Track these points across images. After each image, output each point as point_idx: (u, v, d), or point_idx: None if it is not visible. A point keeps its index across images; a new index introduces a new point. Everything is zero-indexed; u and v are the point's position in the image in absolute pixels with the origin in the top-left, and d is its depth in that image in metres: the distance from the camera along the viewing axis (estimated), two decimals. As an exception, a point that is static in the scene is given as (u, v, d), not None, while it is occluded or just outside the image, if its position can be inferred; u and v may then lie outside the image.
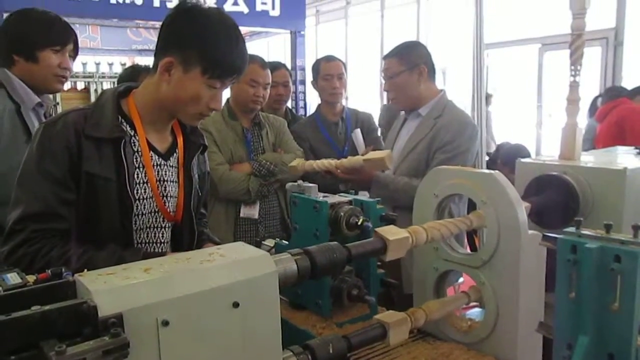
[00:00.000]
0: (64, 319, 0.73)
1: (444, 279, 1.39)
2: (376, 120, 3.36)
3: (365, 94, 9.27)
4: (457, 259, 1.32)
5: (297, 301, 1.48)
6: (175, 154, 1.56)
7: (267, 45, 10.37)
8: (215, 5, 1.42)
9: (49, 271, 0.86)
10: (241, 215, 2.60)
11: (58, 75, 2.01)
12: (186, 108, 1.43)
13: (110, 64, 6.50)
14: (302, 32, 5.96)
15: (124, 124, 1.44)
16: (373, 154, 2.00)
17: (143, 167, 1.46)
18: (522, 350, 1.22)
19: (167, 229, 1.55)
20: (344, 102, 3.15)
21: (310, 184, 1.46)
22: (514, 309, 1.21)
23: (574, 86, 1.67)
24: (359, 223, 1.37)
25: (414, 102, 2.43)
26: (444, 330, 1.35)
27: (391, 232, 1.08)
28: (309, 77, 3.54)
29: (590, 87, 6.15)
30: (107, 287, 0.77)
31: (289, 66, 3.87)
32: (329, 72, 2.94)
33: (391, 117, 3.34)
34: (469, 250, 1.39)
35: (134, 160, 1.45)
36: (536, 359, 1.26)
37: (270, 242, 1.56)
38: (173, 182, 1.55)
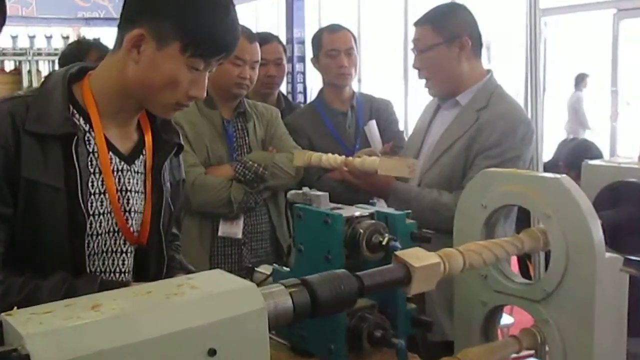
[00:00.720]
0: (-14, 370, 0.74)
1: (494, 316, 1.40)
2: (397, 109, 3.36)
3: (383, 76, 9.30)
4: (512, 290, 1.32)
5: (302, 346, 1.47)
6: (141, 157, 1.57)
7: (255, 11, 10.44)
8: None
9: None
10: (220, 233, 2.61)
11: None
12: (159, 95, 1.44)
13: (49, 37, 6.56)
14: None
15: (77, 116, 1.45)
16: (390, 163, 2.01)
17: (100, 172, 1.47)
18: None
19: (129, 253, 1.56)
20: (354, 85, 3.16)
21: (319, 192, 1.46)
22: (587, 353, 1.21)
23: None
24: (384, 243, 1.36)
25: (453, 85, 2.42)
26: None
27: (417, 257, 1.08)
28: (309, 53, 3.56)
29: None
30: (43, 330, 0.77)
31: (283, 39, 3.89)
32: (334, 47, 2.93)
33: None
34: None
35: (89, 163, 1.45)
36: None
37: (265, 269, 1.57)
38: (138, 192, 1.55)
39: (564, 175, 1.26)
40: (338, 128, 2.98)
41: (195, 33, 1.38)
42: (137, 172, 1.55)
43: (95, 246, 1.47)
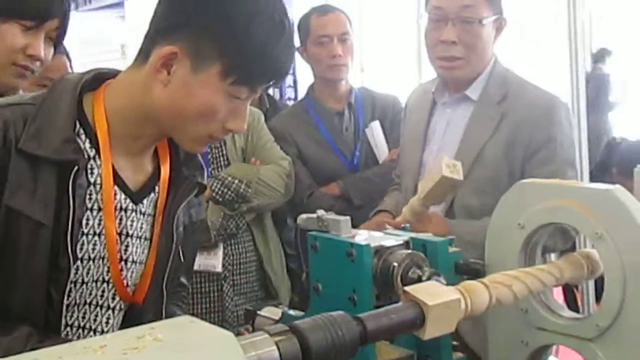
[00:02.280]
0: None
1: (538, 357, 1.40)
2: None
3: (391, 68, 9.30)
4: (558, 327, 1.32)
5: None
6: (152, 195, 1.57)
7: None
8: None
9: None
10: (195, 267, 2.62)
11: (18, 64, 2.05)
12: (189, 126, 1.44)
13: None
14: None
15: (82, 137, 1.44)
16: (428, 180, 1.99)
17: (99, 210, 1.46)
18: None
19: (116, 310, 1.56)
20: (354, 77, 3.16)
21: (339, 217, 1.43)
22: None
23: None
24: (424, 278, 1.31)
25: (479, 71, 2.43)
26: None
27: (431, 293, 1.09)
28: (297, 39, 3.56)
29: None
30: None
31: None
32: (325, 32, 2.95)
33: None
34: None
35: (87, 197, 1.45)
36: None
37: (272, 313, 1.54)
38: (140, 238, 1.55)
39: (618, 185, 1.27)
40: (333, 132, 2.98)
41: (242, 54, 1.37)
42: (144, 214, 1.55)
43: (77, 296, 1.47)
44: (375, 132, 2.94)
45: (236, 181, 2.59)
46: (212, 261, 2.65)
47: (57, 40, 2.10)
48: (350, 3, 8.91)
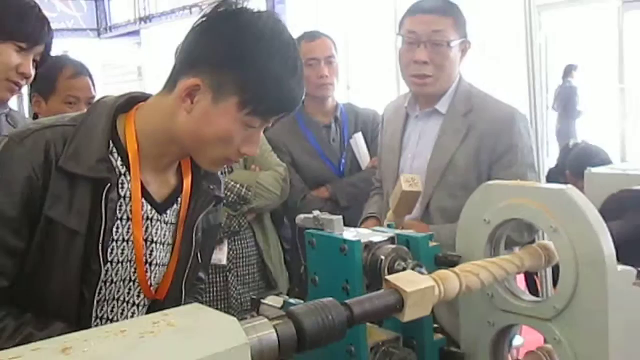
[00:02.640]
0: None
1: (503, 336, 1.40)
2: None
3: (373, 85, 9.33)
4: (520, 308, 1.33)
5: None
6: (175, 206, 1.56)
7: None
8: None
9: None
10: None
11: (11, 80, 2.05)
12: (208, 149, 1.44)
13: None
14: (281, -2, 6.05)
15: (115, 155, 1.44)
16: (394, 199, 1.99)
17: (127, 219, 1.46)
18: None
19: (141, 306, 1.56)
20: (343, 92, 3.16)
21: (333, 216, 1.42)
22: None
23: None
24: (408, 269, 1.31)
25: (446, 88, 2.42)
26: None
27: (409, 281, 1.09)
28: None
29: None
30: (10, 378, 0.78)
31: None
32: (312, 55, 2.93)
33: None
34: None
35: (117, 209, 1.44)
36: None
37: (275, 301, 1.53)
38: (163, 244, 1.55)
39: (570, 185, 1.28)
40: (321, 142, 2.98)
41: (258, 91, 1.37)
42: (167, 223, 1.55)
43: (106, 293, 1.47)
44: (358, 142, 2.95)
45: (238, 185, 2.59)
46: (218, 255, 2.63)
47: (40, 63, 2.13)
48: (337, 28, 8.95)
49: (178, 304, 1.54)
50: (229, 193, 2.56)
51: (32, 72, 2.08)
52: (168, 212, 1.55)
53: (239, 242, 2.68)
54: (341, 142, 3.02)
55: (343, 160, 2.98)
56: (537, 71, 3.86)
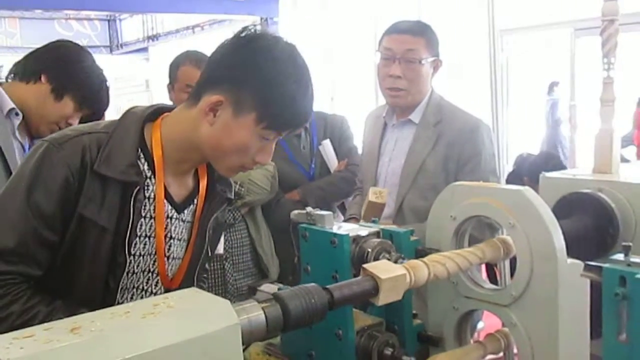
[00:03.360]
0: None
1: (466, 320, 1.41)
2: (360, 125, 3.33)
3: (355, 97, 9.35)
4: (481, 295, 1.34)
5: None
6: (192, 206, 1.56)
7: (231, 34, 10.40)
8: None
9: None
10: None
11: (57, 124, 2.12)
12: (227, 158, 1.43)
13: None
14: (274, 19, 6.04)
15: (142, 160, 1.43)
16: (365, 205, 2.01)
17: (151, 218, 1.46)
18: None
19: (157, 294, 1.55)
20: (324, 106, 3.14)
21: (324, 212, 1.41)
22: (553, 354, 1.22)
23: (607, 83, 1.71)
24: (392, 261, 1.31)
25: (418, 101, 2.42)
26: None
27: (384, 269, 1.09)
28: None
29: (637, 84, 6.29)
30: (24, 354, 0.77)
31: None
32: None
33: None
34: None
35: (142, 208, 1.44)
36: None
37: (270, 289, 1.52)
38: (180, 240, 1.55)
39: (527, 187, 1.28)
40: (293, 150, 2.96)
41: (274, 108, 1.37)
42: (184, 221, 1.55)
43: (128, 282, 1.47)
44: (326, 148, 2.94)
45: (232, 183, 2.59)
46: (217, 247, 2.63)
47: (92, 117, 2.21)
48: (323, 46, 8.98)
49: None
50: None
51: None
52: (186, 211, 1.55)
53: (234, 234, 2.67)
54: (311, 149, 2.98)
55: (313, 166, 2.95)
56: (499, 87, 3.91)
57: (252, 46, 1.38)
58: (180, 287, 1.54)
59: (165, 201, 1.47)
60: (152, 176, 1.44)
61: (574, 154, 6.63)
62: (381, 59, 2.38)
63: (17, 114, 2.09)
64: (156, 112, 1.49)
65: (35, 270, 1.34)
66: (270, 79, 1.36)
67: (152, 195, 1.44)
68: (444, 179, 2.25)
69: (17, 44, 9.87)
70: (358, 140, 2.81)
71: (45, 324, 0.86)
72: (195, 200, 1.56)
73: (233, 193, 1.66)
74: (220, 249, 2.60)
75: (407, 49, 2.33)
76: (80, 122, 2.14)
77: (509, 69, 6.79)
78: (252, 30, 1.41)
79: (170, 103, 2.34)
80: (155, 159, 1.44)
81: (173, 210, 1.50)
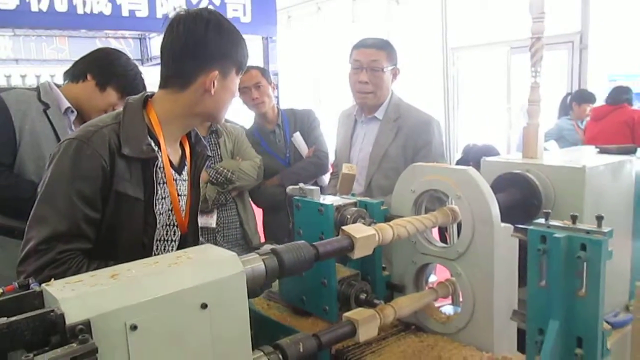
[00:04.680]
0: (31, 328, 0.74)
1: (422, 272, 1.42)
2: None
3: (337, 97, 9.31)
4: (434, 252, 1.35)
5: (303, 308, 1.47)
6: (185, 167, 1.56)
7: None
8: (186, 9, 1.44)
9: (16, 283, 0.86)
10: (200, 224, 2.59)
11: (106, 111, 2.08)
12: (225, 108, 1.48)
13: (52, 76, 6.32)
14: (273, 38, 5.99)
15: (149, 139, 1.42)
16: (340, 178, 2.03)
17: (164, 183, 1.45)
18: (498, 338, 1.26)
19: (176, 242, 1.55)
20: (312, 106, 3.09)
21: (313, 187, 1.44)
22: (489, 299, 1.24)
23: (534, 87, 1.73)
24: (366, 224, 1.31)
25: (381, 101, 2.41)
26: (425, 323, 1.38)
27: (358, 230, 1.10)
28: (282, 81, 3.46)
29: (558, 90, 6.31)
30: (74, 295, 0.77)
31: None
32: (244, 85, 2.83)
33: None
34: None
35: (158, 177, 1.43)
36: (511, 346, 1.29)
37: (269, 247, 1.53)
38: (184, 196, 1.55)
39: (470, 167, 1.30)
40: (270, 144, 2.93)
41: (242, 62, 1.44)
42: (184, 180, 1.54)
43: (156, 237, 1.46)
44: (297, 139, 2.91)
45: (225, 170, 2.56)
46: (209, 220, 2.59)
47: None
48: (313, 58, 8.94)
49: (196, 236, 1.59)
50: (218, 176, 2.54)
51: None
52: (183, 172, 1.54)
53: (226, 212, 2.64)
54: (285, 141, 2.95)
55: (288, 154, 2.92)
56: (451, 93, 3.92)
57: (217, 27, 1.39)
58: (188, 232, 1.56)
59: (170, 167, 1.47)
60: (158, 150, 1.43)
61: (509, 146, 6.66)
62: (352, 68, 2.38)
63: (72, 112, 2.09)
64: (145, 99, 1.48)
65: (87, 244, 1.32)
66: (238, 41, 1.42)
67: (161, 165, 1.44)
68: (403, 163, 2.26)
69: (65, 57, 9.68)
70: (333, 134, 2.78)
71: (91, 272, 0.87)
72: (186, 162, 1.56)
73: (209, 151, 1.67)
74: (213, 224, 2.60)
75: (372, 59, 2.32)
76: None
77: (459, 79, 6.80)
78: (205, 13, 1.41)
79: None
80: (158, 137, 1.43)
81: (175, 173, 1.50)
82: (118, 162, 1.34)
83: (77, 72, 2.12)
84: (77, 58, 2.20)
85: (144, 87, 2.18)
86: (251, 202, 2.86)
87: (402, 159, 2.29)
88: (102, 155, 1.32)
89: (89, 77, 2.09)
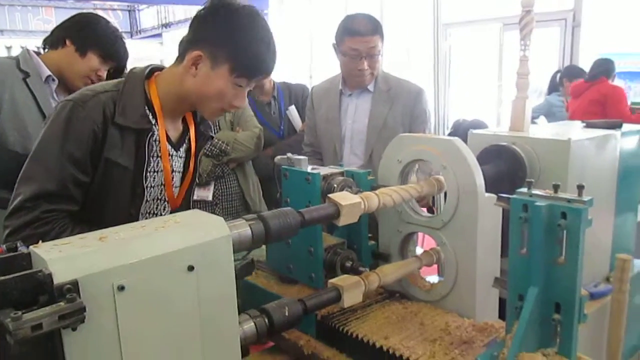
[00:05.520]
0: (19, 288, 0.74)
1: (408, 240, 1.44)
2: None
3: (328, 73, 9.25)
4: (419, 221, 1.37)
5: (289, 275, 1.48)
6: (184, 145, 1.56)
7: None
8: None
9: (4, 246, 0.87)
10: (194, 197, 2.58)
11: (89, 77, 2.08)
12: (208, 103, 1.42)
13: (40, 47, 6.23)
14: (265, 11, 5.91)
15: (147, 111, 1.41)
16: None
17: (158, 156, 1.45)
18: (480, 305, 1.28)
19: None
20: (304, 81, 3.10)
21: (301, 157, 1.44)
22: (472, 266, 1.27)
23: (523, 60, 1.73)
24: (353, 193, 1.33)
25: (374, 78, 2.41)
26: (409, 291, 1.40)
27: (344, 198, 1.11)
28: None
29: (550, 68, 6.32)
30: (61, 256, 0.78)
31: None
32: None
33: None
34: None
35: (151, 149, 1.43)
36: (493, 313, 1.32)
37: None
38: (178, 172, 1.55)
39: (456, 137, 1.30)
40: (265, 116, 2.93)
41: (243, 61, 1.36)
42: (180, 157, 1.54)
43: (144, 210, 1.47)
44: (292, 113, 2.91)
45: (220, 142, 2.54)
46: (206, 193, 2.59)
47: (115, 72, 2.16)
48: (305, 33, 8.84)
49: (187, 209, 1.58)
50: (213, 148, 2.52)
51: (104, 76, 2.13)
52: (181, 149, 1.55)
53: (224, 184, 2.63)
54: (280, 114, 2.95)
55: (282, 127, 2.93)
56: (442, 70, 3.91)
57: (224, 11, 1.36)
58: (180, 207, 1.56)
59: (166, 142, 1.47)
60: (156, 123, 1.43)
61: (499, 123, 6.68)
62: (348, 57, 2.31)
63: (53, 80, 2.06)
64: (151, 71, 1.47)
65: (74, 206, 1.33)
66: (239, 38, 1.35)
67: (157, 138, 1.44)
68: (402, 131, 2.28)
69: (20, 28, 9.48)
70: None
71: (79, 235, 0.87)
72: (186, 140, 1.56)
73: (213, 131, 1.66)
74: (209, 196, 2.59)
75: (370, 47, 2.29)
76: (107, 75, 2.12)
77: (451, 56, 6.78)
78: (223, 1, 1.38)
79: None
80: (156, 109, 1.43)
81: (172, 149, 1.50)
82: (111, 130, 1.34)
83: (56, 38, 2.09)
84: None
85: (126, 51, 2.15)
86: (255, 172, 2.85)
87: (401, 128, 2.33)
88: (95, 120, 1.33)
89: (67, 42, 2.06)
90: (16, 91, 1.96)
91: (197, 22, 1.39)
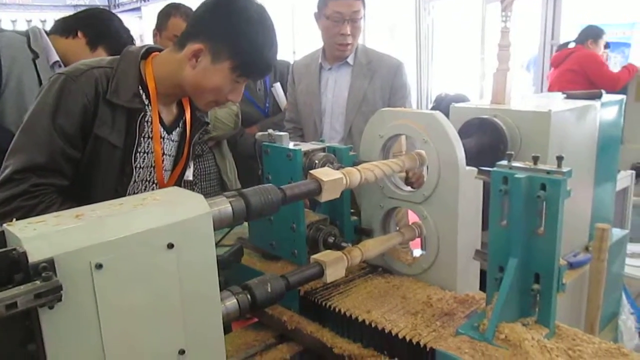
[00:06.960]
0: (-7, 267, 0.73)
1: (389, 215, 1.44)
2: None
3: (311, 48, 9.15)
4: (401, 196, 1.37)
5: (272, 252, 1.48)
6: (178, 128, 1.54)
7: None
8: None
9: (-24, 225, 0.85)
10: None
11: None
12: (204, 95, 1.40)
13: (43, 22, 6.08)
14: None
15: (141, 91, 1.39)
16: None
17: (149, 138, 1.43)
18: (461, 278, 1.29)
19: None
20: (287, 58, 3.04)
21: (282, 133, 1.42)
22: (453, 240, 1.27)
23: (504, 32, 1.72)
24: (335, 169, 1.32)
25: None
26: (391, 265, 1.41)
27: (326, 174, 1.10)
28: None
29: (531, 42, 6.32)
30: (36, 234, 0.76)
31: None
32: None
33: None
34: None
35: (143, 130, 1.41)
36: (474, 285, 1.33)
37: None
38: (169, 156, 1.53)
39: (438, 111, 1.29)
40: (251, 92, 2.86)
41: (246, 60, 1.34)
42: (172, 140, 1.53)
43: (131, 191, 1.46)
44: (277, 90, 2.87)
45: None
46: (186, 173, 2.58)
47: None
48: (287, 7, 8.69)
49: None
50: None
51: None
52: (174, 133, 1.53)
53: (202, 163, 2.59)
54: (265, 91, 2.89)
55: (267, 105, 2.88)
56: (423, 44, 3.89)
57: (229, 7, 1.33)
58: None
59: (158, 124, 1.46)
60: (149, 104, 1.41)
61: (481, 96, 6.70)
62: (331, 21, 2.29)
63: (60, 66, 2.02)
64: (148, 51, 1.45)
65: (63, 181, 1.32)
66: (243, 37, 1.33)
67: (149, 120, 1.42)
68: (382, 105, 2.27)
69: (27, 2, 9.25)
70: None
71: (55, 213, 0.85)
72: (180, 124, 1.54)
73: (209, 118, 1.64)
74: (190, 176, 2.55)
75: (354, 10, 2.26)
76: None
77: (434, 29, 6.74)
78: None
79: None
80: (150, 90, 1.41)
81: (165, 132, 1.48)
82: (102, 106, 1.33)
83: (68, 27, 2.08)
84: (38, 4, 2.15)
85: None
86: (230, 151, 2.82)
87: (381, 102, 2.31)
88: (86, 94, 1.31)
89: (80, 34, 2.06)
90: (24, 70, 1.94)
91: (201, 14, 1.37)
